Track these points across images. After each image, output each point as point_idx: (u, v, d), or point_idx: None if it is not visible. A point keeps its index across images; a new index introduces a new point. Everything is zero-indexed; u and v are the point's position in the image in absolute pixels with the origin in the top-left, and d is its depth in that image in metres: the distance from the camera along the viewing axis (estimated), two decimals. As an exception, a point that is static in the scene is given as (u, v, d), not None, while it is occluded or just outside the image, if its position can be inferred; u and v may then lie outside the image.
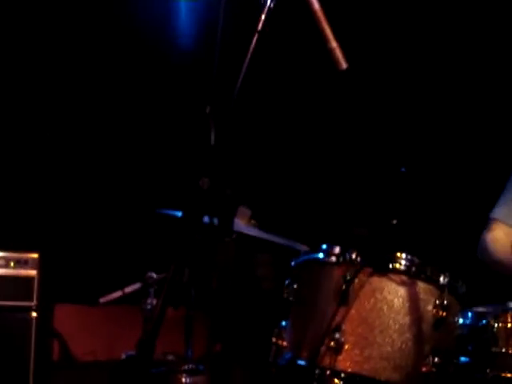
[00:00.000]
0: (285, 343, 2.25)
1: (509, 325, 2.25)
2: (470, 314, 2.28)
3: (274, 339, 2.28)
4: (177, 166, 3.73)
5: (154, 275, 3.09)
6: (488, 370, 2.21)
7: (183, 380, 2.49)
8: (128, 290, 3.10)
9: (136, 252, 3.80)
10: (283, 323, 2.31)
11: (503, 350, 2.22)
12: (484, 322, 2.27)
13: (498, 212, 2.74)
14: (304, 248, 3.00)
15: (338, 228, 4.14)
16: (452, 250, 2.88)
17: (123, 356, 2.82)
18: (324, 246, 2.28)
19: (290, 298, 2.27)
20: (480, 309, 2.35)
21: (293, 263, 2.37)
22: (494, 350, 2.22)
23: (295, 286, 2.30)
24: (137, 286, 3.09)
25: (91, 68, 3.90)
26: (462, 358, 2.24)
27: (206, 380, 2.49)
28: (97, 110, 3.94)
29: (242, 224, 2.87)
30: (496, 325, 2.25)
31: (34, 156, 3.94)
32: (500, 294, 2.71)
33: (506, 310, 2.29)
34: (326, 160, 3.79)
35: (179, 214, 3.19)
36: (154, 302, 3.05)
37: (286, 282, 2.35)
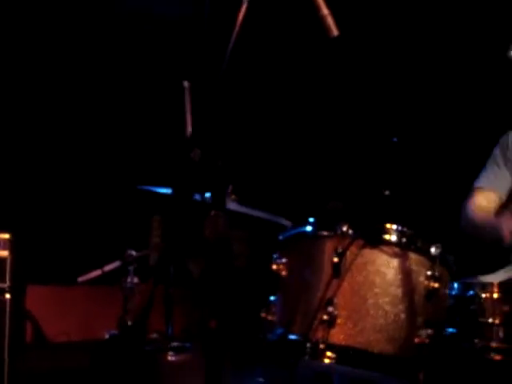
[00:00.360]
0: (274, 318, 2.23)
1: (495, 295, 2.26)
2: (457, 285, 2.28)
3: (263, 314, 2.25)
4: (157, 142, 3.67)
5: (134, 253, 3.04)
6: (476, 340, 2.22)
7: (170, 358, 2.45)
8: (107, 268, 3.04)
9: (115, 229, 3.73)
10: (271, 298, 2.28)
11: (490, 321, 2.23)
12: (471, 292, 2.27)
13: (482, 180, 2.83)
14: (287, 223, 2.99)
15: (312, 202, 4.12)
16: (442, 221, 2.88)
17: (106, 335, 2.76)
18: (313, 219, 2.25)
19: (283, 273, 2.23)
20: (468, 280, 2.36)
21: (281, 237, 2.34)
22: (481, 320, 2.23)
23: (284, 260, 2.27)
24: (116, 264, 3.04)
25: (66, 42, 3.79)
26: (450, 329, 2.24)
27: (193, 358, 2.45)
28: (71, 85, 3.83)
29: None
30: (483, 295, 2.26)
31: (4, 135, 3.83)
32: (485, 265, 2.74)
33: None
34: (316, 133, 3.76)
35: (161, 190, 3.14)
36: (134, 280, 3.01)
37: (274, 256, 2.32)
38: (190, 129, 3.23)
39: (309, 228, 2.25)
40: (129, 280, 2.97)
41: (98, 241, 3.74)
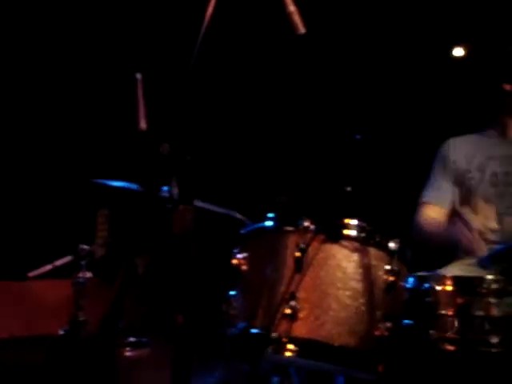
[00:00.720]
0: (236, 312, 2.24)
1: (449, 288, 2.33)
2: (413, 279, 2.34)
3: (223, 309, 2.26)
4: (109, 135, 3.62)
5: (86, 247, 2.99)
6: (431, 332, 2.28)
7: (127, 354, 2.43)
8: (58, 263, 2.98)
9: (67, 224, 3.66)
10: (232, 292, 2.29)
11: (444, 312, 2.30)
12: (427, 285, 2.34)
13: (426, 195, 3.02)
14: (240, 217, 3.00)
15: (259, 196, 4.15)
16: (400, 217, 2.96)
17: (60, 332, 2.71)
18: (274, 215, 2.28)
19: (243, 267, 2.25)
20: (423, 273, 2.43)
21: (242, 232, 2.35)
22: (436, 312, 2.30)
23: (245, 255, 2.28)
24: (68, 258, 2.99)
25: (14, 35, 3.69)
26: (407, 321, 2.30)
27: (150, 353, 2.44)
28: (21, 76, 3.73)
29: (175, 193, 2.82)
30: (438, 288, 2.33)
31: None
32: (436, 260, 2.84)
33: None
34: (281, 128, 3.79)
35: (114, 183, 3.10)
36: (87, 275, 2.96)
37: (235, 250, 2.33)
38: (143, 122, 3.20)
39: (270, 223, 2.27)
40: (81, 275, 2.93)
41: (49, 235, 3.66)
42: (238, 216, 2.87)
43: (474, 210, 2.97)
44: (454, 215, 2.92)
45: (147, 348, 2.46)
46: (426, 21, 3.64)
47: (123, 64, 3.47)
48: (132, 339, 2.49)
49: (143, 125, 3.20)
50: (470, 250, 2.78)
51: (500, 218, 2.92)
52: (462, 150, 3.07)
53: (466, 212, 2.97)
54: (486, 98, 3.03)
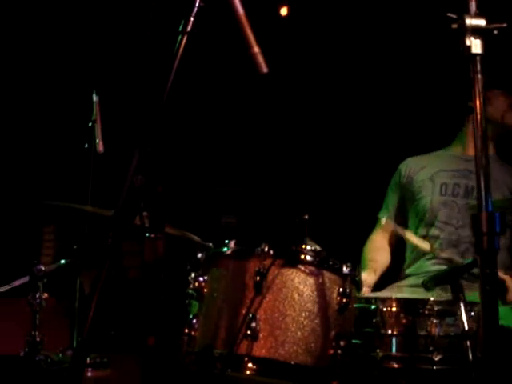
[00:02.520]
0: (197, 333, 2.34)
1: (393, 308, 2.50)
2: (362, 300, 2.50)
3: (185, 330, 2.35)
4: (60, 158, 3.64)
5: (43, 268, 3.03)
6: (378, 350, 2.44)
7: (88, 374, 2.49)
8: (16, 283, 3.01)
9: (23, 244, 3.66)
10: (193, 314, 2.39)
11: (389, 332, 2.47)
12: (373, 307, 2.51)
13: (382, 211, 3.26)
14: (197, 239, 3.10)
15: (206, 217, 4.26)
16: (351, 242, 3.14)
17: (21, 353, 2.74)
18: (232, 240, 2.40)
19: (204, 290, 2.35)
20: (371, 294, 2.59)
21: (200, 255, 2.45)
22: (382, 331, 2.47)
23: (206, 278, 2.39)
24: (25, 279, 3.01)
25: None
26: (355, 340, 2.45)
27: (112, 373, 2.51)
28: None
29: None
30: (384, 309, 2.49)
31: None
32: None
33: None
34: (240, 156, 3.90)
35: (64, 204, 3.15)
36: (44, 295, 3.00)
37: (193, 274, 2.43)
38: (101, 144, 3.27)
39: (230, 247, 2.39)
40: (37, 295, 2.97)
41: (6, 256, 3.66)
42: (195, 238, 2.96)
43: (418, 215, 3.17)
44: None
45: (108, 368, 2.52)
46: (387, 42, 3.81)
47: (82, 85, 3.52)
48: (93, 359, 2.55)
49: (101, 148, 3.28)
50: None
51: (443, 225, 3.12)
52: (415, 164, 3.28)
53: (410, 216, 3.18)
54: (452, 115, 3.23)
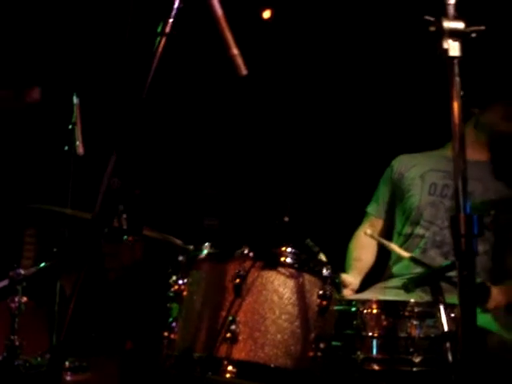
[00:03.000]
0: (177, 337, 2.33)
1: (374, 311, 2.51)
2: (343, 303, 2.50)
3: (165, 333, 2.34)
4: (40, 161, 3.62)
5: (22, 271, 3.00)
6: (358, 352, 2.44)
7: (68, 378, 2.47)
8: (-5, 287, 2.98)
9: (3, 247, 3.63)
10: (173, 318, 2.38)
11: (370, 334, 2.47)
12: (354, 308, 2.51)
13: (370, 206, 3.25)
14: (178, 242, 3.09)
15: (189, 220, 4.24)
16: (333, 244, 3.14)
17: (0, 357, 2.71)
18: (211, 243, 2.39)
19: (184, 293, 2.34)
20: (351, 296, 2.59)
21: (181, 258, 2.44)
22: (363, 333, 2.46)
23: (186, 281, 2.38)
24: (4, 283, 2.99)
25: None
26: (337, 343, 2.44)
27: (91, 377, 2.49)
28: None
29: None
30: (365, 311, 2.49)
31: None
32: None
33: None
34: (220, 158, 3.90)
35: (45, 207, 3.13)
36: (23, 299, 2.97)
37: (174, 277, 2.42)
38: (81, 147, 3.25)
39: (210, 250, 2.38)
40: (17, 299, 2.94)
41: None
42: (176, 241, 2.95)
43: (405, 213, 3.17)
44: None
45: (88, 372, 2.50)
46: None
47: (62, 88, 3.50)
48: (72, 363, 2.53)
49: (81, 150, 3.26)
50: None
51: (428, 225, 3.13)
52: (407, 161, 3.29)
53: (398, 213, 3.19)
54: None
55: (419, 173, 3.21)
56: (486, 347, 2.55)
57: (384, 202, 3.31)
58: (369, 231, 2.99)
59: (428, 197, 3.15)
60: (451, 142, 3.23)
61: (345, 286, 2.91)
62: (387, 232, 3.28)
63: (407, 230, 3.15)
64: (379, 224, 3.30)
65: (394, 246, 2.85)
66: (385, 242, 2.90)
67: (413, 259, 2.78)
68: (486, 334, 2.59)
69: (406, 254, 2.77)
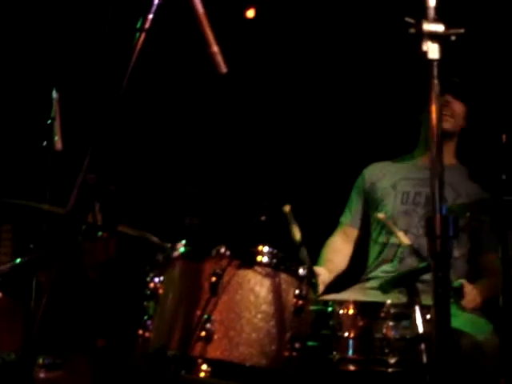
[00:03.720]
0: (152, 335, 2.31)
1: (350, 311, 2.51)
2: (319, 302, 2.50)
3: (140, 331, 2.33)
4: (17, 156, 3.58)
5: (-1, 267, 2.97)
6: (334, 353, 2.44)
7: (41, 375, 2.45)
8: (-30, 282, 2.95)
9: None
10: (146, 316, 2.36)
11: (346, 334, 2.47)
12: (331, 309, 2.51)
13: (343, 215, 3.25)
14: (155, 239, 3.07)
15: (169, 218, 4.23)
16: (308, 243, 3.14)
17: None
18: (189, 241, 2.38)
19: (160, 291, 2.33)
20: (328, 297, 2.59)
21: (158, 256, 2.43)
22: (339, 334, 2.46)
23: (161, 279, 2.37)
24: (-22, 278, 2.95)
25: None
26: (311, 342, 2.44)
27: (65, 375, 2.46)
28: None
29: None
30: (341, 311, 2.49)
31: None
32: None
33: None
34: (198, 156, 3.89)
35: (22, 203, 3.09)
36: (-2, 295, 2.94)
37: (151, 275, 2.40)
38: (59, 142, 3.21)
39: (186, 248, 2.37)
40: (-8, 295, 2.91)
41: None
42: (154, 239, 2.93)
43: (380, 222, 3.17)
44: None
45: (62, 369, 2.48)
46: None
47: (41, 82, 3.46)
48: (46, 360, 2.50)
49: (59, 145, 3.22)
50: None
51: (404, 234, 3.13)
52: (378, 170, 3.29)
53: (372, 222, 3.20)
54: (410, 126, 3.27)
55: (391, 182, 3.22)
56: (460, 349, 2.55)
57: (357, 211, 3.29)
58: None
59: (401, 206, 3.16)
60: (419, 148, 3.30)
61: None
62: (362, 240, 3.27)
63: (383, 238, 3.15)
64: (353, 233, 3.28)
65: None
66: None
67: (414, 250, 2.79)
68: (459, 336, 2.60)
69: (407, 242, 2.76)
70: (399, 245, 3.08)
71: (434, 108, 1.88)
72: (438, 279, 1.83)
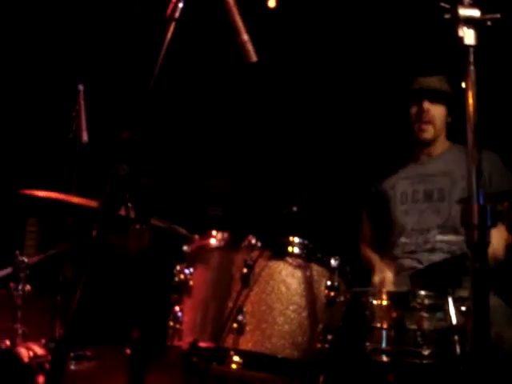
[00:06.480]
0: (183, 327, 2.30)
1: (384, 302, 2.48)
2: (352, 293, 2.47)
3: (170, 323, 2.32)
4: (44, 148, 3.59)
5: (26, 259, 2.98)
6: (367, 344, 2.41)
7: (72, 367, 2.44)
8: (-1, 274, 2.95)
9: (6, 235, 3.61)
10: (178, 307, 2.35)
11: (379, 325, 2.44)
12: (363, 300, 2.48)
13: (361, 238, 3.38)
14: (184, 231, 3.06)
15: (192, 209, 4.22)
16: (339, 236, 3.12)
17: (3, 346, 2.69)
18: (218, 232, 2.36)
19: (190, 283, 2.32)
20: (360, 288, 2.56)
21: (186, 248, 2.41)
22: (372, 325, 2.44)
23: (192, 271, 2.35)
24: (7, 270, 2.96)
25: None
26: (346, 334, 2.40)
27: (95, 366, 2.47)
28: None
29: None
30: (374, 302, 2.47)
31: None
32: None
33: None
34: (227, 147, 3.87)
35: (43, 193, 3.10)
36: (27, 287, 2.95)
37: (180, 266, 2.39)
38: (85, 134, 3.21)
39: (217, 239, 2.35)
40: (20, 287, 2.91)
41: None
42: (182, 231, 2.92)
43: (388, 225, 3.17)
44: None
45: (92, 361, 2.48)
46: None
47: (67, 74, 3.46)
48: (77, 352, 2.50)
49: (85, 138, 3.22)
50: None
51: (409, 233, 3.12)
52: (381, 179, 3.30)
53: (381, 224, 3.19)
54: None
55: (390, 184, 3.23)
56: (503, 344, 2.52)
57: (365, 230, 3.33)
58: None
59: (401, 206, 3.17)
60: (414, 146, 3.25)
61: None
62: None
63: (392, 239, 3.17)
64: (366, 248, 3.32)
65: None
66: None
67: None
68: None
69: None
70: (407, 243, 3.10)
71: (470, 94, 1.84)
72: (476, 270, 1.80)
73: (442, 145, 3.25)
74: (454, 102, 3.21)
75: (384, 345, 2.39)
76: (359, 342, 2.40)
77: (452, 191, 3.10)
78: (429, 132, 3.18)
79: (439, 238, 3.06)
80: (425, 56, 3.31)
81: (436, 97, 3.16)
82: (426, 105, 3.16)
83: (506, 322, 2.63)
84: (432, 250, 3.05)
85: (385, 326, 2.40)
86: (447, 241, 3.05)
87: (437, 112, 3.18)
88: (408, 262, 3.07)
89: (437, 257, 2.99)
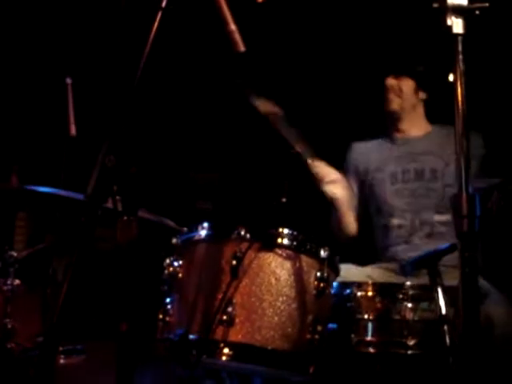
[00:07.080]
0: (172, 319, 2.29)
1: (369, 293, 2.48)
2: (337, 285, 2.47)
3: (160, 316, 2.31)
4: (32, 142, 3.56)
5: (14, 254, 2.96)
6: (352, 335, 2.42)
7: (61, 361, 2.43)
8: (-13, 269, 2.93)
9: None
10: (168, 300, 2.34)
11: (365, 317, 2.45)
12: (348, 291, 2.48)
13: None
14: (171, 224, 3.04)
15: (181, 202, 4.20)
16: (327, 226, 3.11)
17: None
18: (207, 224, 2.35)
19: (179, 275, 2.31)
20: (346, 279, 2.56)
21: (176, 240, 2.40)
22: (357, 316, 2.44)
23: (181, 263, 2.34)
24: (-4, 265, 2.94)
25: None
26: (330, 325, 2.41)
27: (84, 360, 2.45)
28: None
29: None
30: (359, 293, 2.47)
31: None
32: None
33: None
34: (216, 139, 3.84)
35: (41, 189, 3.08)
36: (15, 282, 2.93)
37: (168, 259, 2.38)
38: (73, 127, 3.20)
39: (206, 231, 2.34)
40: (8, 282, 2.90)
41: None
42: (170, 223, 2.91)
43: (378, 208, 3.14)
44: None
45: (82, 355, 2.47)
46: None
47: (55, 68, 3.43)
48: (66, 347, 2.49)
49: (73, 131, 3.21)
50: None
51: (402, 214, 3.10)
52: (362, 154, 3.25)
53: (370, 204, 3.17)
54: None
55: (377, 165, 3.19)
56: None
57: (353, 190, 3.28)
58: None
59: (391, 187, 3.12)
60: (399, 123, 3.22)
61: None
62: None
63: (382, 221, 3.11)
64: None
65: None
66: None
67: None
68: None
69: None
70: (401, 225, 3.06)
71: (459, 83, 1.84)
72: (465, 259, 1.80)
73: (422, 123, 3.21)
74: (423, 77, 3.20)
75: (369, 336, 2.39)
76: (345, 334, 2.40)
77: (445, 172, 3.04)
78: (395, 102, 3.15)
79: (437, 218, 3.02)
80: (412, 44, 3.31)
81: (401, 71, 3.16)
82: (391, 80, 3.15)
83: (493, 301, 2.63)
84: (430, 236, 3.02)
85: (370, 317, 2.41)
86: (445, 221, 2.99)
87: (404, 86, 3.15)
88: (402, 250, 3.04)
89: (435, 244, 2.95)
